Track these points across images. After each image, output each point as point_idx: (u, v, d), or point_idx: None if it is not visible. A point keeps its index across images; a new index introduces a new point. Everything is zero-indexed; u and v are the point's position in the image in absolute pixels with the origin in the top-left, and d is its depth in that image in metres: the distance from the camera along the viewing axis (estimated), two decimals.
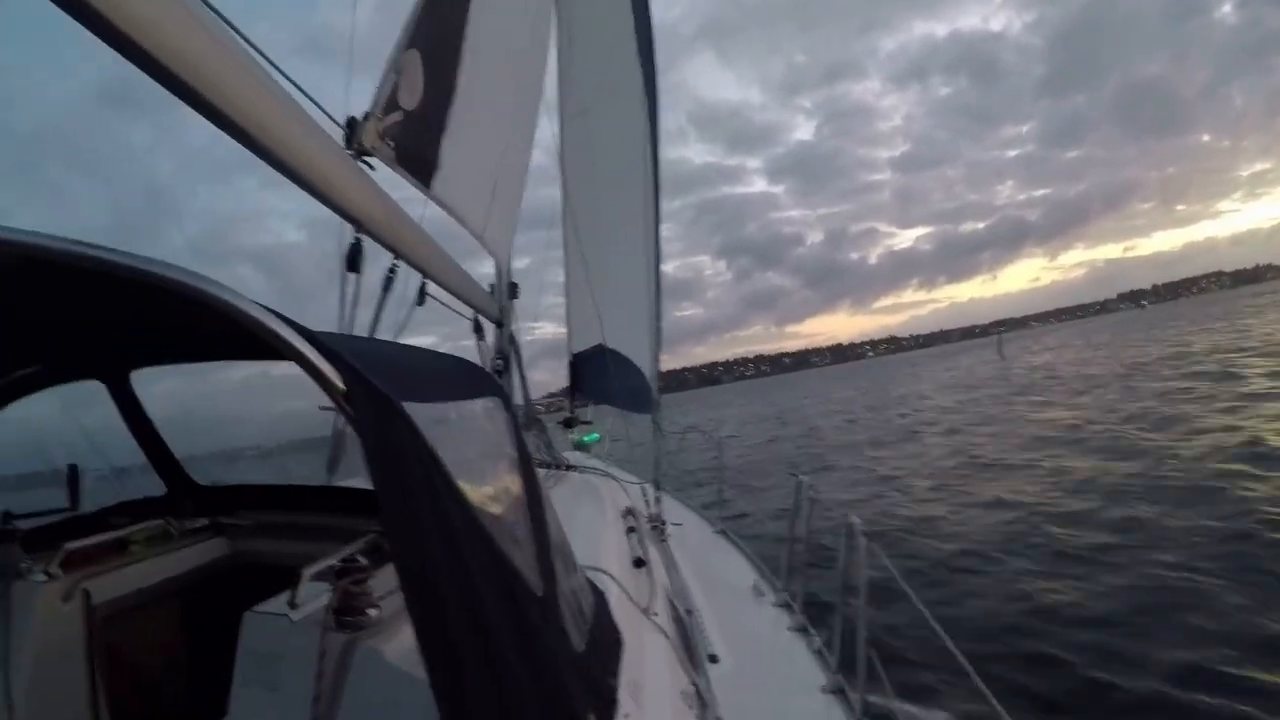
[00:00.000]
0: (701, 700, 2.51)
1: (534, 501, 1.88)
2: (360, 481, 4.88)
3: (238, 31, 1.60)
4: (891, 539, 9.59)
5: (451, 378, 1.75)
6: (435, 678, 1.05)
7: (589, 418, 8.41)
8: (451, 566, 1.17)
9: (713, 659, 3.01)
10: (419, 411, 1.23)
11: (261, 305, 1.14)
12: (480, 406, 1.78)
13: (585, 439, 8.48)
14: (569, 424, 8.16)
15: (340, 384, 1.11)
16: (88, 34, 1.14)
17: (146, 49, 1.21)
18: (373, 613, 1.74)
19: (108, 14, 1.13)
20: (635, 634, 2.38)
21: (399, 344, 2.22)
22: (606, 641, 2.11)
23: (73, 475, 3.24)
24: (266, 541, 3.09)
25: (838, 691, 3.59)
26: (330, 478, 4.18)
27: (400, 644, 1.73)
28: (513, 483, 1.78)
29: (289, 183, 1.73)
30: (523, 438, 2.03)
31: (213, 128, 1.42)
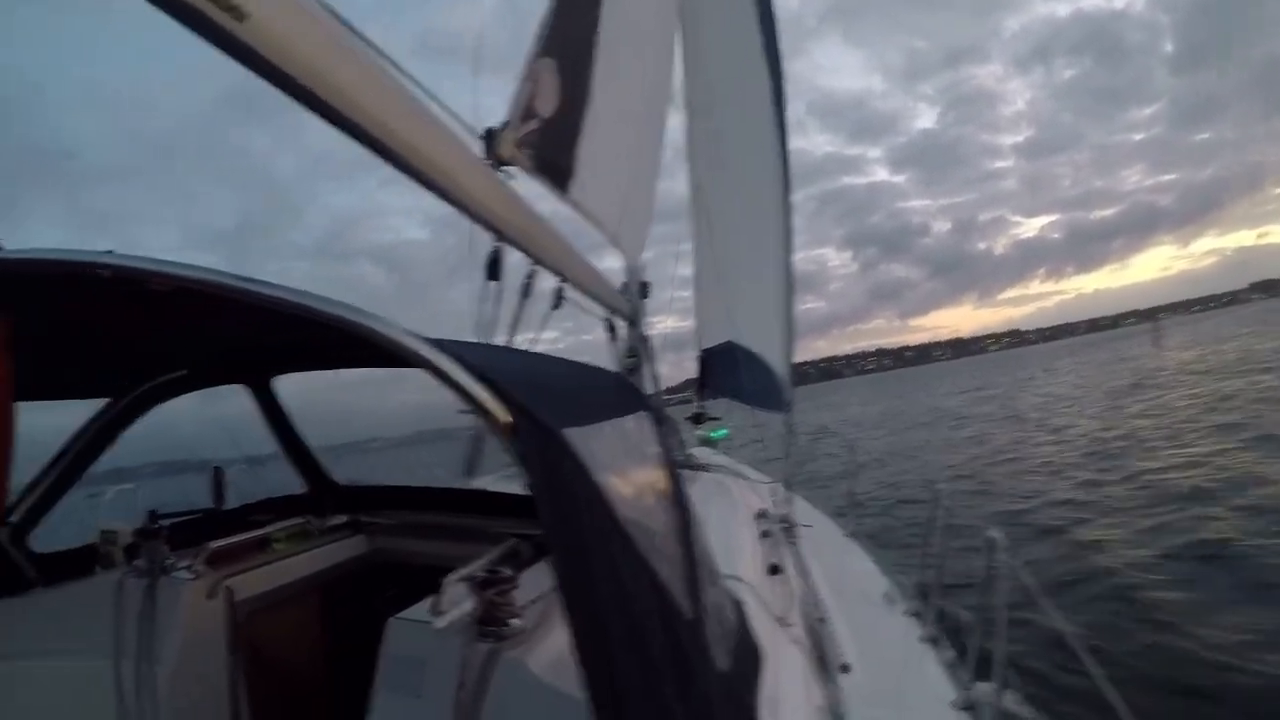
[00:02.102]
0: (835, 715, 2.41)
1: (683, 519, 1.83)
2: (493, 483, 4.96)
3: (378, 50, 1.60)
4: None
5: (603, 394, 1.72)
6: (594, 700, 1.05)
7: (717, 413, 8.30)
8: (613, 592, 1.17)
9: (844, 669, 2.88)
10: (577, 436, 1.23)
11: (421, 337, 1.15)
12: (632, 424, 1.74)
13: (714, 434, 8.38)
14: (697, 419, 8.07)
15: (505, 416, 1.11)
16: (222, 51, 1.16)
17: (315, 91, 1.22)
18: (515, 623, 1.73)
19: (271, 56, 1.14)
20: (771, 645, 2.28)
21: (548, 358, 2.20)
22: (747, 656, 2.01)
23: (218, 476, 3.37)
24: (404, 540, 3.13)
25: (970, 708, 3.44)
26: (468, 480, 4.24)
27: (542, 655, 1.70)
28: (664, 501, 1.74)
29: (408, 180, 1.72)
30: (672, 455, 1.98)
31: (330, 131, 1.42)
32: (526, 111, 2.43)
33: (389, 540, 3.14)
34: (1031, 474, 14.83)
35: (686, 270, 8.05)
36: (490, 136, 2.25)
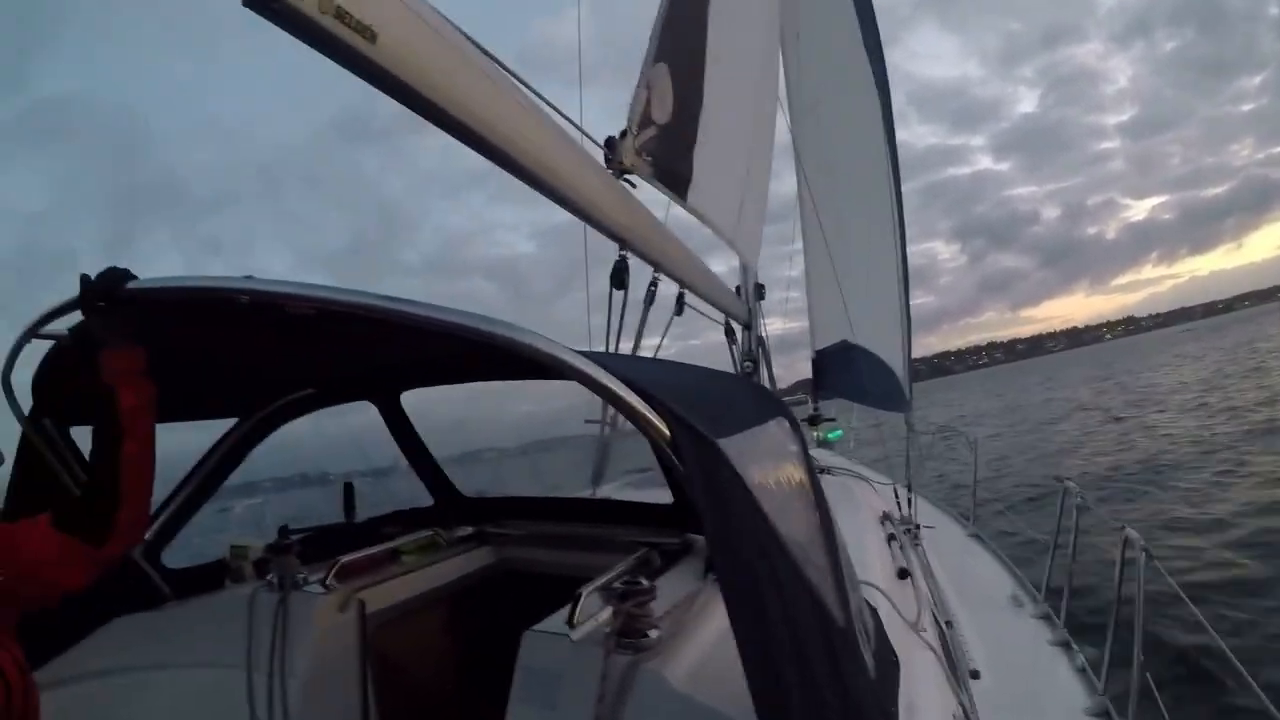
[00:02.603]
0: None
1: (826, 525, 1.77)
2: (616, 491, 4.93)
3: (502, 65, 1.58)
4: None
5: (743, 400, 1.67)
6: (761, 712, 1.02)
7: (830, 414, 8.12)
8: (776, 600, 1.15)
9: (974, 675, 2.72)
10: (731, 446, 1.21)
11: (579, 352, 1.15)
12: (774, 429, 1.68)
13: (829, 435, 8.20)
14: (813, 421, 7.91)
15: (665, 429, 1.11)
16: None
17: (443, 107, 1.20)
18: (653, 634, 1.68)
19: (418, 87, 1.13)
20: (905, 651, 2.17)
21: (685, 365, 2.15)
22: (886, 663, 1.92)
23: (348, 492, 3.42)
24: (530, 551, 3.11)
25: (1103, 715, 3.22)
26: (593, 489, 4.22)
27: (681, 667, 1.64)
28: (809, 506, 1.68)
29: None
30: (810, 457, 1.90)
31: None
32: (644, 118, 2.38)
33: (515, 551, 3.14)
34: (1172, 468, 13.77)
35: (792, 271, 7.90)
36: (611, 145, 2.21)
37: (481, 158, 1.45)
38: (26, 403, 2.09)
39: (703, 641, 1.78)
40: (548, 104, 1.68)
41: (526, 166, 1.45)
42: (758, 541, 1.18)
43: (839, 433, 8.43)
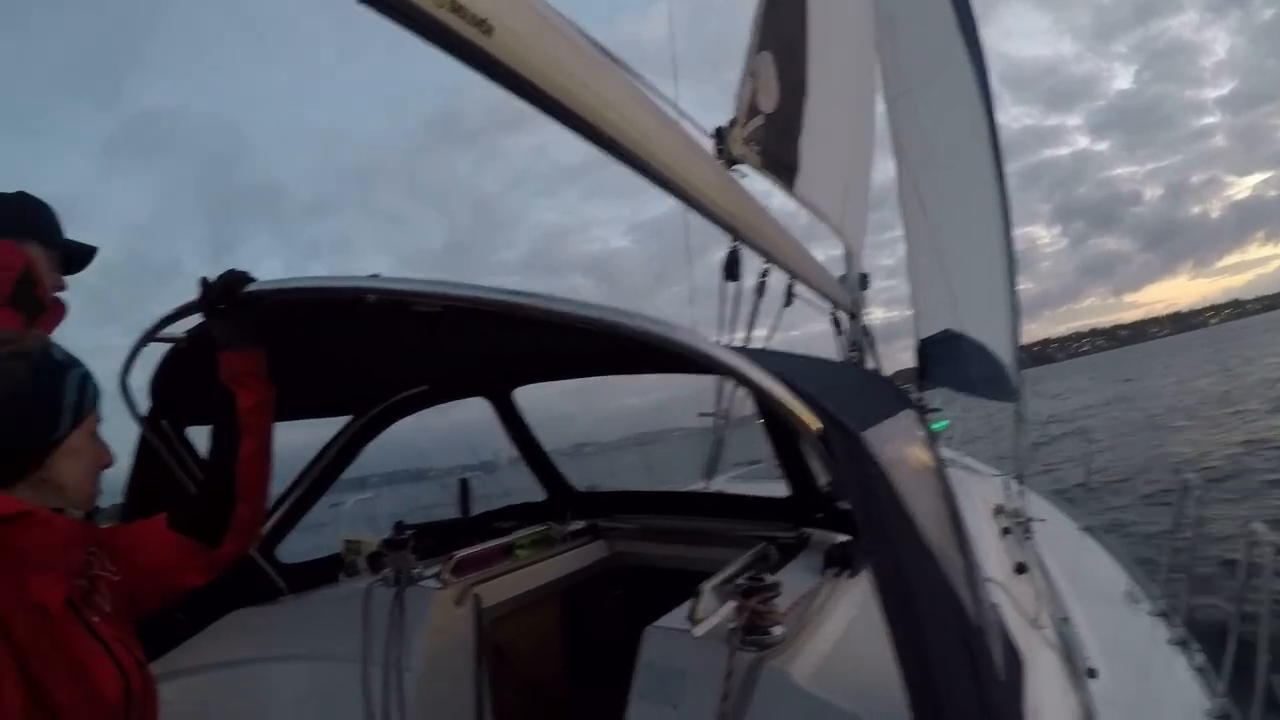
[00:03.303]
0: None
1: (956, 517, 1.71)
2: (726, 484, 4.87)
3: (611, 55, 1.52)
4: None
5: (875, 393, 1.62)
6: (916, 710, 1.01)
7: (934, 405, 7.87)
8: (925, 594, 1.15)
9: (1091, 674, 2.56)
10: (873, 438, 1.21)
11: (728, 348, 1.15)
12: (905, 421, 1.61)
13: (935, 426, 7.96)
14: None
15: (815, 423, 1.11)
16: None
17: (557, 98, 1.16)
18: (777, 631, 1.64)
19: (522, 70, 1.08)
20: (1026, 649, 2.06)
21: (814, 358, 2.08)
22: (1012, 661, 1.85)
23: (464, 488, 3.45)
24: (644, 545, 3.08)
25: (1223, 717, 3.00)
26: (706, 482, 4.16)
27: (807, 664, 1.60)
28: (940, 499, 1.63)
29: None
30: (937, 449, 1.82)
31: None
32: (751, 108, 2.30)
33: (628, 545, 3.11)
34: None
35: (889, 259, 7.66)
36: (721, 135, 2.14)
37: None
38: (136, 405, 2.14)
39: (826, 639, 1.75)
40: (658, 94, 1.62)
41: (640, 157, 1.40)
42: (904, 535, 1.17)
43: (945, 423, 8.18)
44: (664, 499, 3.47)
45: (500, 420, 3.32)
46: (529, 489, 3.62)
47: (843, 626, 1.86)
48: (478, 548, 2.65)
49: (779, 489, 3.00)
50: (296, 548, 2.89)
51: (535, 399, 3.37)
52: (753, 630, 1.62)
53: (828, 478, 2.72)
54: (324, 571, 2.81)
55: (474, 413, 3.38)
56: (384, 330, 2.04)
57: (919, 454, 1.64)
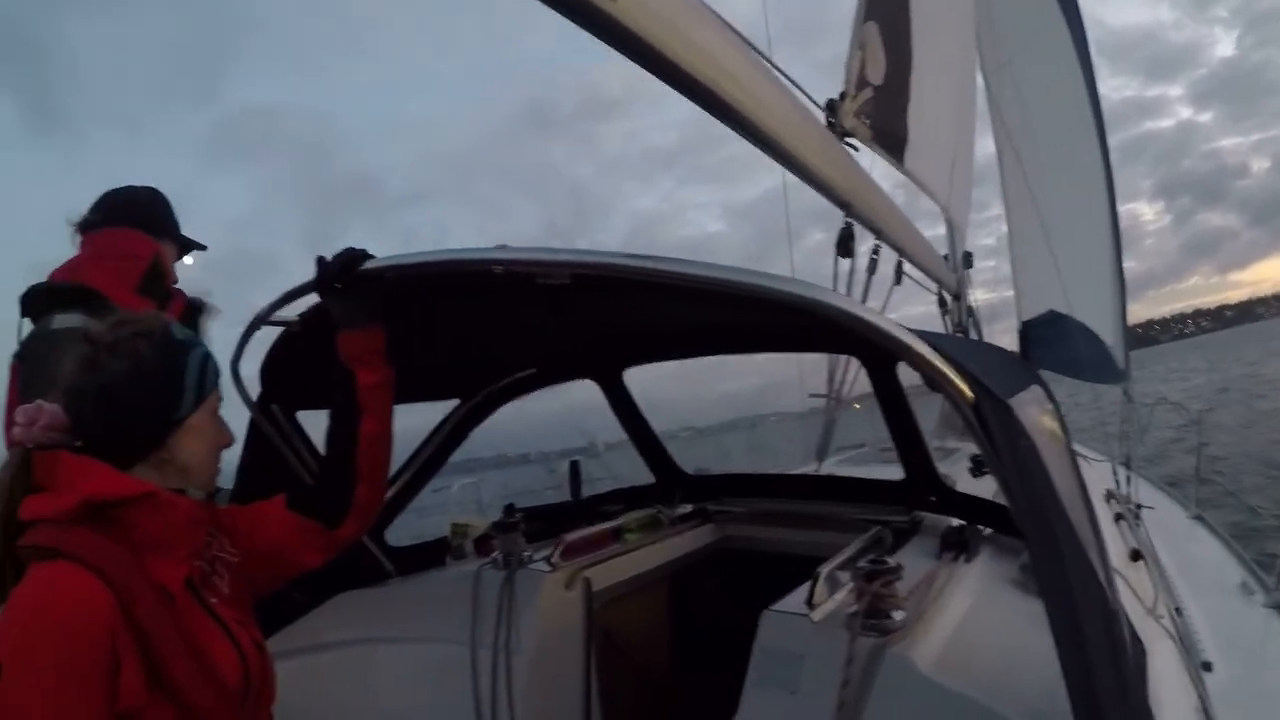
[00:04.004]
0: (1208, 717, 2.02)
1: (1086, 495, 1.60)
2: (835, 466, 4.78)
3: (730, 26, 1.49)
4: None
5: (1011, 367, 1.55)
6: (1074, 690, 0.98)
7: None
8: (1076, 571, 1.12)
9: (1206, 666, 2.41)
10: (1020, 411, 1.18)
11: (890, 319, 1.12)
12: (1040, 394, 1.53)
13: None
14: None
15: (969, 392, 1.07)
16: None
17: (682, 66, 1.14)
18: (897, 615, 1.57)
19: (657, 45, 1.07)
20: (1145, 638, 1.95)
21: (947, 335, 2.01)
22: (1136, 650, 1.75)
23: (574, 471, 3.43)
24: (753, 528, 3.01)
25: None
26: (817, 464, 4.08)
27: (929, 650, 1.54)
28: (1076, 476, 1.53)
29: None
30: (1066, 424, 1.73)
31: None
32: (860, 80, 2.22)
33: (737, 528, 3.05)
34: None
35: (988, 240, 7.39)
36: (833, 108, 2.07)
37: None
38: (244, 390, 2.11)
39: (946, 625, 1.69)
40: (773, 65, 1.58)
41: (759, 127, 1.36)
42: (1054, 510, 1.13)
43: None
44: (773, 482, 3.41)
45: (609, 403, 3.27)
46: (627, 473, 3.60)
47: (962, 612, 1.80)
48: (587, 531, 2.63)
49: (887, 472, 2.91)
50: (401, 531, 2.92)
51: (629, 384, 3.34)
52: (873, 615, 1.57)
53: (952, 456, 2.62)
54: (431, 555, 2.82)
55: (567, 398, 3.38)
56: (502, 308, 2.02)
57: (1055, 429, 1.56)
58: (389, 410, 1.64)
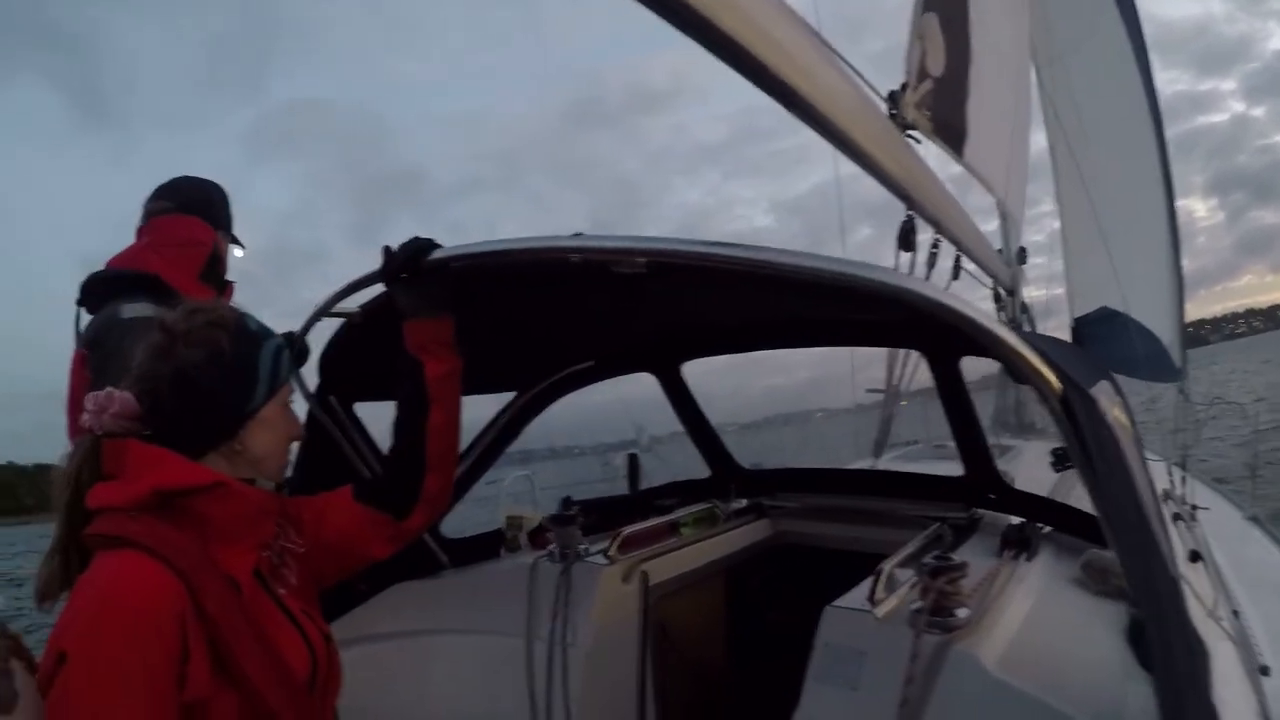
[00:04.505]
0: None
1: (1154, 491, 1.65)
2: (890, 462, 4.73)
3: (790, 10, 1.47)
4: None
5: (1081, 362, 1.52)
6: (1161, 685, 0.99)
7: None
8: (1155, 561, 1.12)
9: (1263, 671, 2.35)
10: (1102, 403, 1.18)
11: (983, 312, 1.12)
12: (1107, 390, 1.50)
13: None
14: None
15: (1057, 383, 1.06)
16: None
17: (746, 46, 1.12)
18: (962, 613, 1.57)
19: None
20: (1208, 640, 1.92)
21: (1032, 332, 1.99)
22: (1199, 650, 1.72)
23: (633, 465, 3.43)
24: (809, 524, 2.99)
25: None
26: (874, 461, 4.04)
27: (993, 649, 1.52)
28: (1145, 469, 1.53)
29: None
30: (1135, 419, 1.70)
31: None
32: (921, 72, 2.19)
33: (793, 524, 3.03)
34: None
35: (1037, 236, 7.26)
36: (894, 99, 2.04)
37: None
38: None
39: (1010, 623, 1.68)
40: (837, 55, 1.56)
41: (825, 115, 1.34)
42: (1139, 506, 1.14)
43: None
44: (828, 476, 3.38)
45: (667, 395, 3.26)
46: (678, 466, 3.58)
47: (1025, 611, 1.79)
48: (644, 524, 2.63)
49: (942, 469, 2.87)
50: (454, 523, 2.93)
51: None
52: (938, 612, 1.56)
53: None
54: (485, 547, 2.83)
55: (614, 391, 3.36)
56: (568, 298, 2.01)
57: (1127, 424, 1.54)
58: (457, 400, 1.63)
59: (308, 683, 1.31)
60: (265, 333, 1.40)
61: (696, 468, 3.55)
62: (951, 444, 3.72)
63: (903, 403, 4.80)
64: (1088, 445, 1.04)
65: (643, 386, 3.31)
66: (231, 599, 1.19)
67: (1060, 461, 3.11)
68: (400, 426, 1.62)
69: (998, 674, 1.44)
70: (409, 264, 1.54)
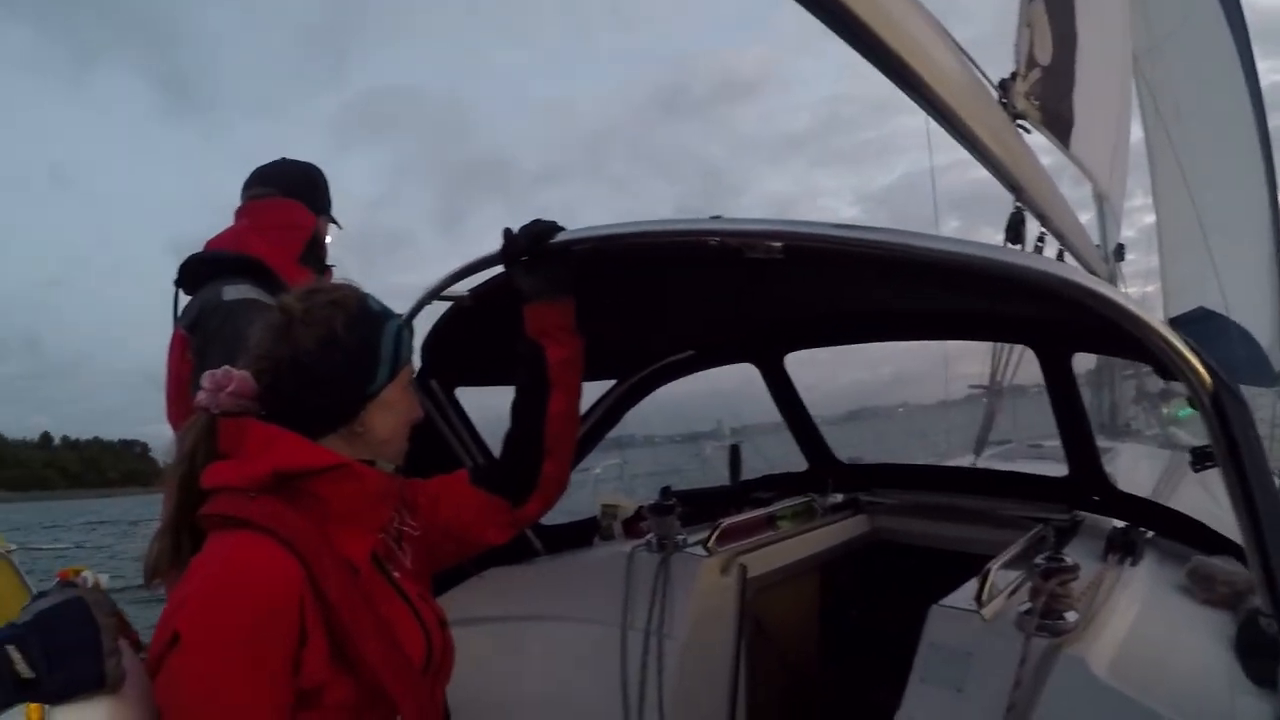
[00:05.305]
0: None
1: None
2: (988, 460, 4.60)
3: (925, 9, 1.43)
4: None
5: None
6: None
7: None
8: None
9: None
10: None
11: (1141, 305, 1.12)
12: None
13: (1181, 414, 7.25)
14: (1164, 397, 7.02)
15: (1209, 380, 1.05)
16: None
17: (873, 29, 1.09)
18: (1071, 617, 1.53)
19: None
20: None
21: None
22: None
23: (734, 455, 3.37)
24: (906, 521, 2.92)
25: None
26: (975, 459, 3.92)
27: (1104, 653, 1.48)
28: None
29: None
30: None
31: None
32: (1029, 60, 2.11)
33: (890, 521, 2.96)
34: None
35: (1128, 231, 6.99)
36: (1005, 88, 1.98)
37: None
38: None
39: (1117, 629, 1.63)
40: (955, 44, 1.52)
41: (943, 100, 1.30)
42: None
43: (1191, 410, 7.39)
44: (927, 473, 3.29)
45: (769, 387, 3.18)
46: (757, 459, 3.52)
47: (1131, 617, 1.73)
48: (742, 517, 2.58)
49: (1040, 469, 2.78)
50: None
51: (754, 372, 3.27)
52: (1047, 615, 1.52)
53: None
54: (579, 534, 2.81)
55: (697, 383, 3.32)
56: (687, 283, 1.98)
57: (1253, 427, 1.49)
58: (578, 385, 1.60)
59: (422, 666, 1.28)
60: (386, 313, 1.34)
61: (775, 460, 3.50)
62: (1045, 444, 3.58)
63: (984, 396, 4.68)
64: (1238, 446, 0.99)
65: (719, 379, 3.28)
66: (350, 583, 1.15)
67: (1199, 461, 2.98)
68: (519, 411, 1.59)
69: (1108, 680, 1.39)
70: (532, 246, 1.51)
